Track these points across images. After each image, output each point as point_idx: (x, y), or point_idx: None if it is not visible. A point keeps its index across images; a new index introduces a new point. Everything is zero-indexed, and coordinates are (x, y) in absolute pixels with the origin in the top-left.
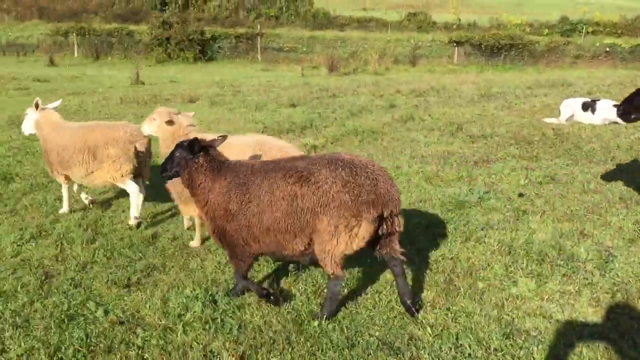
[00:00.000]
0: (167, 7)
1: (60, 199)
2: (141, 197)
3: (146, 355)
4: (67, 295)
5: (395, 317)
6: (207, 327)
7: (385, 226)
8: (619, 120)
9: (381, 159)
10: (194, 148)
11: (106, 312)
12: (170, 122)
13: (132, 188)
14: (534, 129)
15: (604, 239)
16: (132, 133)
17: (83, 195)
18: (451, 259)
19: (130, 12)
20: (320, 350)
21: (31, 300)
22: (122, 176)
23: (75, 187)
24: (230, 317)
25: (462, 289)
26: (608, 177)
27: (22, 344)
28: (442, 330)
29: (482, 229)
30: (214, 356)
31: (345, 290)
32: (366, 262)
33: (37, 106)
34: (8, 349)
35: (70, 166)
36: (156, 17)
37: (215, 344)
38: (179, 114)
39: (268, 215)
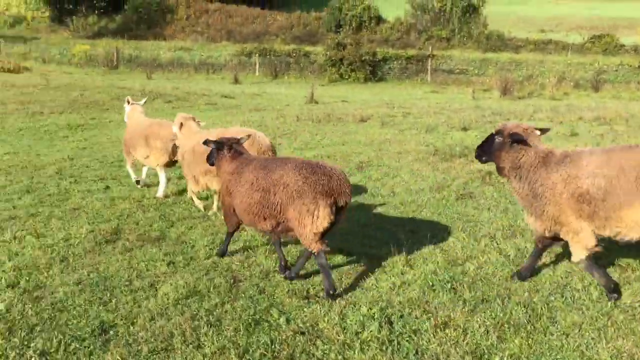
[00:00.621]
0: (341, 29)
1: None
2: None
3: None
4: (253, 300)
5: None
6: (383, 348)
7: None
8: None
9: None
10: (219, 147)
11: (288, 321)
12: (181, 126)
13: (162, 175)
14: None
15: None
16: (172, 133)
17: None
18: None
19: (307, 34)
20: None
21: (222, 302)
22: (158, 165)
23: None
24: (407, 340)
25: None
26: None
27: (215, 342)
28: None
29: None
30: None
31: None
32: None
33: (128, 102)
34: (203, 345)
35: (136, 148)
36: (331, 38)
37: None
38: (193, 119)
39: (246, 200)
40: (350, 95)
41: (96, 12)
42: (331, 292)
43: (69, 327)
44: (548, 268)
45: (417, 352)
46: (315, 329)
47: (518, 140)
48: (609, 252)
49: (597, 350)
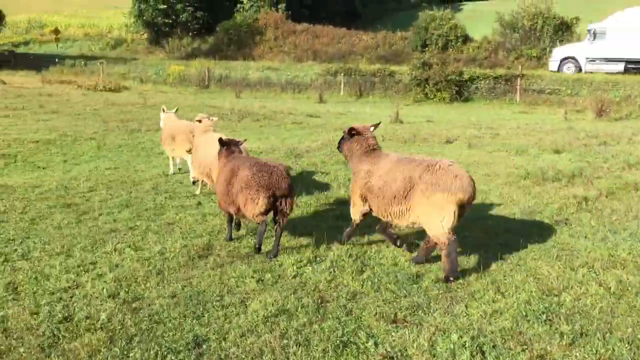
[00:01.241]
0: (427, 48)
1: (331, 227)
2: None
3: None
4: (341, 321)
5: None
6: None
7: (279, 203)
8: None
9: None
10: (222, 144)
11: (376, 345)
12: (199, 121)
13: (189, 161)
14: None
15: None
16: (192, 130)
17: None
18: None
19: (392, 53)
20: None
21: (310, 321)
22: (184, 154)
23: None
24: None
25: None
26: None
27: None
28: None
29: None
30: None
31: None
32: None
33: (163, 110)
34: None
35: (166, 144)
36: (417, 58)
37: None
38: (209, 118)
39: (220, 189)
40: (436, 115)
41: (190, 34)
42: (259, 242)
43: (165, 339)
44: None
45: None
46: (404, 354)
47: (353, 134)
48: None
49: None
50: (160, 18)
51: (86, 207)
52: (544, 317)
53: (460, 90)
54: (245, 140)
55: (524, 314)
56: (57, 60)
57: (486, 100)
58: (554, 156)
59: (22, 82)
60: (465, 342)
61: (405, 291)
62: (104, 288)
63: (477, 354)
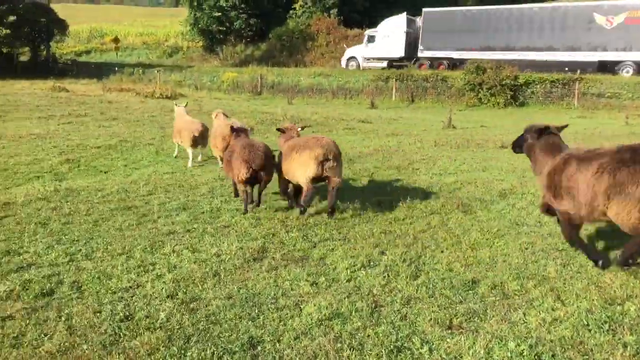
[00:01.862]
0: None
1: (384, 231)
2: (191, 156)
3: None
4: (395, 326)
5: None
6: None
7: (257, 174)
8: None
9: None
10: (232, 130)
11: (431, 351)
12: (217, 116)
13: (190, 153)
14: None
15: None
16: (196, 127)
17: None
18: None
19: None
20: None
21: (364, 326)
22: (188, 147)
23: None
24: None
25: None
26: None
27: None
28: None
29: None
30: None
31: None
32: None
33: (176, 104)
34: None
35: (176, 136)
36: (471, 63)
37: None
38: (224, 113)
39: (226, 160)
40: (490, 120)
41: (243, 41)
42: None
43: (221, 339)
44: None
45: None
46: None
47: (281, 130)
48: None
49: None
50: (214, 25)
51: (145, 209)
52: (607, 326)
53: (515, 95)
54: (252, 128)
55: (585, 322)
56: (116, 68)
57: (542, 105)
58: None
59: (84, 90)
60: (522, 350)
61: (460, 297)
62: (163, 288)
63: None
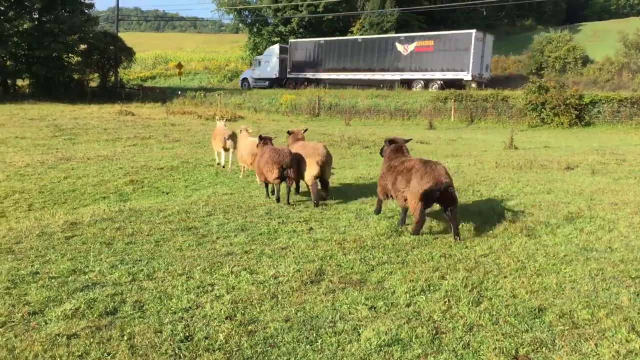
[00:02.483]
0: (543, 71)
1: (444, 255)
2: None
3: None
4: (457, 355)
5: None
6: None
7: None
8: None
9: None
10: (260, 139)
11: None
12: (241, 132)
13: (223, 155)
14: None
15: None
16: (224, 132)
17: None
18: None
19: (505, 77)
20: None
21: (425, 353)
22: (220, 149)
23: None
24: None
25: None
26: None
27: None
28: None
29: None
30: None
31: None
32: None
33: (216, 119)
34: None
35: (212, 142)
36: (532, 82)
37: None
38: (247, 129)
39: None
40: (554, 140)
41: None
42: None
43: None
44: None
45: None
46: None
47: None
48: None
49: None
50: None
51: (205, 230)
52: None
53: (580, 115)
54: (275, 137)
55: None
56: (179, 92)
57: (609, 125)
58: None
59: (149, 114)
60: None
61: (526, 325)
62: (221, 309)
63: None
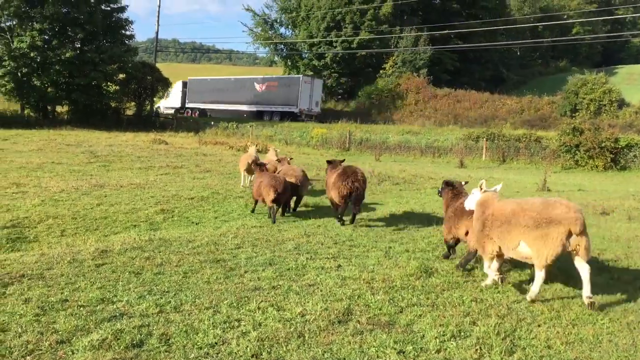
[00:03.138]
0: (577, 113)
1: (475, 299)
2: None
3: None
4: None
5: None
6: None
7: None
8: None
9: None
10: (256, 164)
11: None
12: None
13: (248, 178)
14: None
15: None
16: (253, 158)
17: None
18: None
19: (538, 118)
20: None
21: None
22: (242, 170)
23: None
24: None
25: None
26: None
27: None
28: None
29: None
30: None
31: None
32: None
33: (247, 148)
34: None
35: (240, 164)
36: (567, 123)
37: None
38: (275, 150)
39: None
40: (588, 184)
41: (334, 98)
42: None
43: None
44: None
45: None
46: None
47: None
48: None
49: None
50: None
51: (233, 263)
52: None
53: (615, 158)
54: (289, 159)
55: None
56: (212, 122)
57: None
58: None
59: (182, 143)
60: None
61: None
62: (247, 347)
63: None
